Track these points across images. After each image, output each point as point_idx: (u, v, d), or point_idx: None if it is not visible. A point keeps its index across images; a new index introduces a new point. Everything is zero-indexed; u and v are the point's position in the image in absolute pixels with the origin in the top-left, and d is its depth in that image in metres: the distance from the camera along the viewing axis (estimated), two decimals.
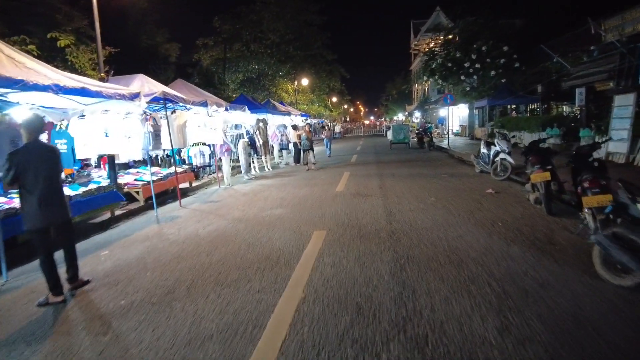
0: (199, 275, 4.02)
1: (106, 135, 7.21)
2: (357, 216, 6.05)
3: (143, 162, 9.74)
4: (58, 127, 7.09)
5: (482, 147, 9.88)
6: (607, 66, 11.43)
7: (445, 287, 3.37)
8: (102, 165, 8.93)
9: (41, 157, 3.62)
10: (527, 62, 18.37)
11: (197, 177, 11.11)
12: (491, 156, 9.18)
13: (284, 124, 16.47)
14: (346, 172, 11.48)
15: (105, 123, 7.18)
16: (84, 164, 8.93)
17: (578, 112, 14.52)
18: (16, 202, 5.26)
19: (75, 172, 8.13)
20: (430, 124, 24.55)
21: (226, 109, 10.22)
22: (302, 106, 34.27)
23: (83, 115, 7.06)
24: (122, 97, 6.15)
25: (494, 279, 3.47)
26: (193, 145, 10.69)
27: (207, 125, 9.69)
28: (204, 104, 9.00)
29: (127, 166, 9.90)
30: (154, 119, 8.14)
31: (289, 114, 18.23)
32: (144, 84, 7.72)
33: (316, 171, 12.16)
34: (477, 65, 19.42)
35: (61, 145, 7.10)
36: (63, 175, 7.75)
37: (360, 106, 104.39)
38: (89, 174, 8.24)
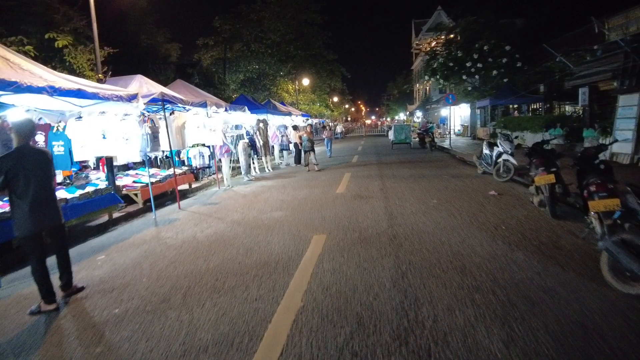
0: (196, 282, 3.92)
1: (104, 137, 7.12)
2: (357, 219, 5.95)
3: (143, 164, 9.65)
4: (55, 129, 7.00)
5: (484, 147, 9.77)
6: (610, 65, 11.29)
7: (448, 295, 3.26)
8: (101, 167, 8.84)
9: (32, 161, 3.52)
10: (530, 62, 18.22)
11: (196, 179, 11.02)
12: (494, 157, 9.06)
13: (285, 124, 16.37)
14: (347, 173, 11.38)
15: (103, 125, 7.09)
16: (83, 166, 8.85)
17: (580, 112, 14.39)
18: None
19: (73, 174, 8.05)
20: (431, 123, 24.42)
21: (226, 110, 10.13)
22: (303, 106, 34.18)
23: (80, 117, 6.98)
24: (120, 98, 6.07)
25: (499, 287, 3.37)
26: (192, 146, 10.60)
27: (207, 126, 9.60)
28: (203, 105, 8.91)
29: (126, 168, 9.82)
30: (152, 120, 8.05)
31: (289, 114, 18.13)
32: (143, 85, 7.64)
33: (317, 172, 12.06)
34: (479, 65, 19.30)
35: (58, 147, 7.01)
36: (61, 177, 7.73)
37: (361, 106, 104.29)
38: (87, 176, 8.16)
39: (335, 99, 51.21)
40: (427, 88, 41.03)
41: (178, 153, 10.96)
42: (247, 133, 12.71)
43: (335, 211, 6.58)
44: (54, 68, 9.96)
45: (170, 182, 8.85)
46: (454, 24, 23.01)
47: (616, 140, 6.72)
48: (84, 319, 3.34)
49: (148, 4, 19.24)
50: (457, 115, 29.49)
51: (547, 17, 18.53)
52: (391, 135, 21.10)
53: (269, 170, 13.58)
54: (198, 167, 11.24)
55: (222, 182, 10.56)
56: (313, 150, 12.58)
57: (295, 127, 16.19)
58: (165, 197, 8.94)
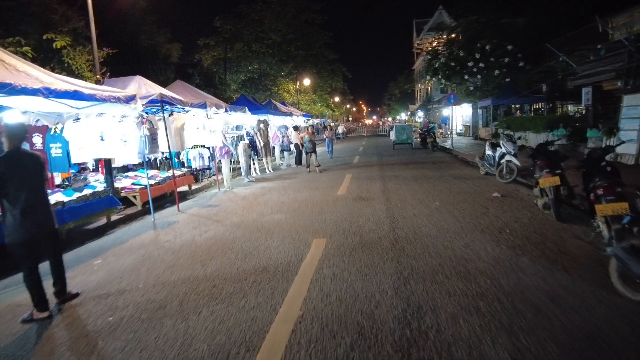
0: (193, 289, 3.83)
1: (102, 139, 7.04)
2: (358, 222, 5.86)
3: (142, 165, 9.57)
4: (53, 131, 6.92)
5: (487, 148, 9.65)
6: (614, 65, 11.14)
7: (452, 303, 3.16)
8: (100, 169, 8.76)
9: (23, 165, 3.43)
10: (532, 61, 18.09)
11: (196, 180, 10.94)
12: (496, 158, 8.95)
13: (285, 125, 16.27)
14: (348, 174, 11.29)
15: (101, 126, 7.01)
16: (82, 168, 8.77)
17: (583, 112, 14.24)
18: None
19: (72, 176, 7.98)
20: (433, 123, 24.26)
21: (226, 111, 10.04)
22: (304, 106, 34.08)
23: (78, 119, 6.91)
24: (117, 100, 5.98)
25: (504, 294, 3.27)
26: (192, 147, 10.51)
27: (206, 127, 9.51)
28: (203, 106, 8.82)
29: (126, 169, 9.74)
30: (150, 122, 7.97)
31: (290, 114, 18.03)
32: (141, 86, 7.56)
33: (318, 173, 11.96)
34: (481, 65, 19.18)
35: (56, 149, 6.93)
36: (59, 179, 7.65)
37: (362, 105, 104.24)
38: (85, 178, 8.08)
39: (337, 98, 51.06)
40: (429, 88, 40.85)
41: (178, 154, 10.89)
42: (248, 134, 12.63)
43: (336, 214, 6.49)
44: (52, 69, 9.89)
45: (170, 183, 8.76)
46: (456, 23, 22.87)
47: (623, 142, 6.61)
48: (77, 327, 3.25)
49: (148, 4, 19.15)
50: (459, 115, 29.33)
51: (549, 16, 18.39)
52: (392, 135, 20.96)
53: (269, 171, 13.49)
54: (198, 168, 11.17)
55: (222, 184, 10.47)
56: (315, 151, 12.47)
57: (296, 128, 16.08)
58: (164, 199, 8.85)
